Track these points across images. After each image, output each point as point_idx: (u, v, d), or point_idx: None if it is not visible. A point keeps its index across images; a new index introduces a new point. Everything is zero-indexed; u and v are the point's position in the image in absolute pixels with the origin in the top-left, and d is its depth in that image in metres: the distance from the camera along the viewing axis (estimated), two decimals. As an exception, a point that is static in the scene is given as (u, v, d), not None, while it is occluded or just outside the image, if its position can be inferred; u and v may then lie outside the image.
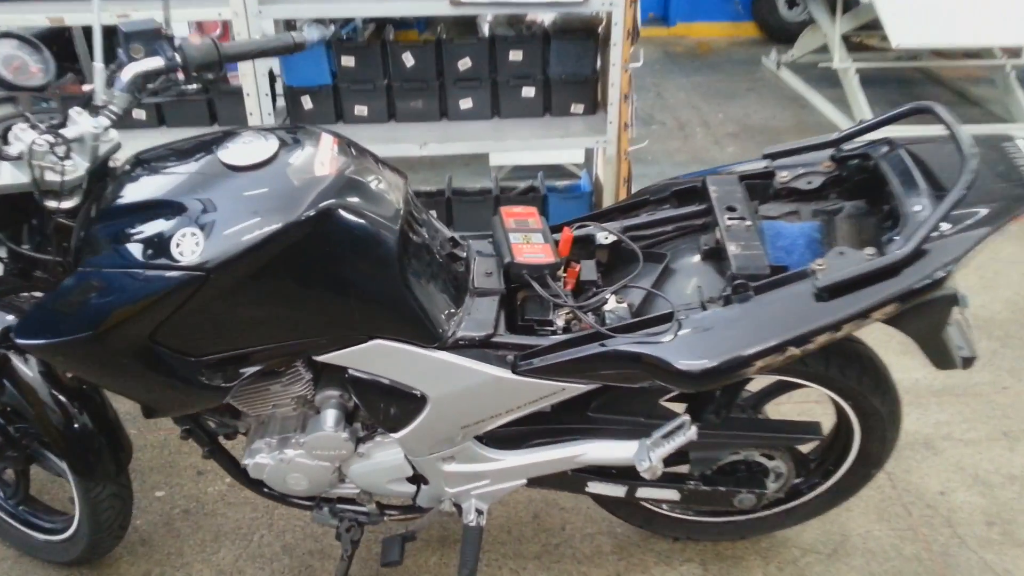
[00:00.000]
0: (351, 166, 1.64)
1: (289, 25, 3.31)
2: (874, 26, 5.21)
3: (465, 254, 1.89)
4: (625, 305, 1.76)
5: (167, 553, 2.43)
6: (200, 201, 1.54)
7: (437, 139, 3.12)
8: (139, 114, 3.26)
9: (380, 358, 1.72)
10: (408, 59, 3.14)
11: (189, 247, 1.50)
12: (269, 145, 1.61)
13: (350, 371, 1.75)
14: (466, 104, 3.22)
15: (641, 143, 3.25)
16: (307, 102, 3.19)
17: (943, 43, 4.96)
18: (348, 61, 3.13)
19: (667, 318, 1.64)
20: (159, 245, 1.52)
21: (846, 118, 5.27)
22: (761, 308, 1.60)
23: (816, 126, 5.42)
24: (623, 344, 1.65)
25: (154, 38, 1.65)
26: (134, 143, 3.30)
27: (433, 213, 2.03)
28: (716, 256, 1.77)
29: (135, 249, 1.53)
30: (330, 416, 1.85)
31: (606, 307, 1.75)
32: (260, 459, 1.92)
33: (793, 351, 1.57)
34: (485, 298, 1.79)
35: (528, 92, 3.21)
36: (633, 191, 3.17)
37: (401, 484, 2.01)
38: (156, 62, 1.64)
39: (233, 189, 1.55)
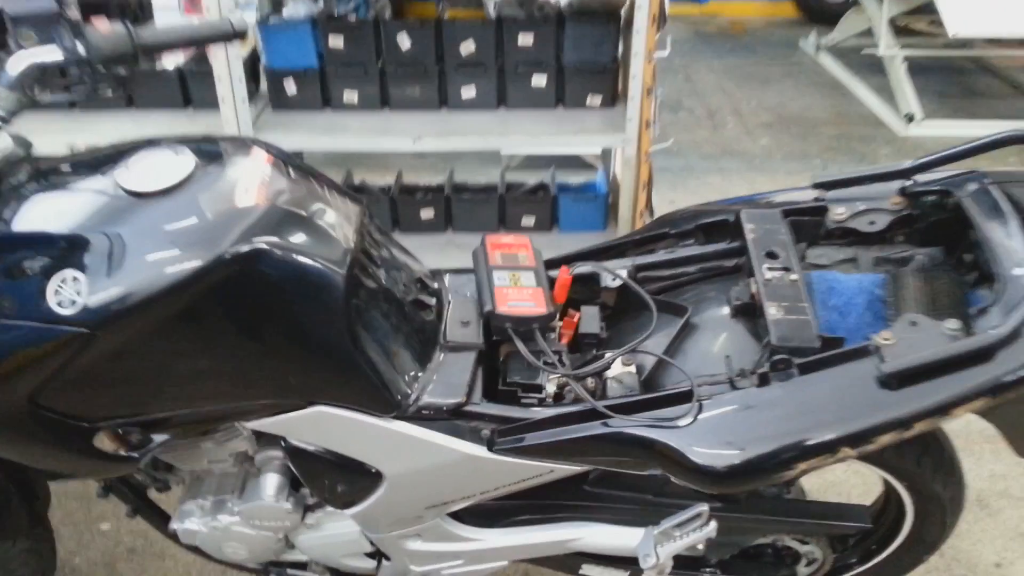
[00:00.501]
0: (286, 193, 1.29)
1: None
2: (924, 10, 4.76)
3: (437, 296, 1.53)
4: (632, 370, 1.40)
5: (103, 604, 2.14)
6: (89, 236, 1.20)
7: (435, 132, 2.76)
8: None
9: (323, 428, 1.38)
10: (404, 41, 2.77)
11: (69, 295, 1.17)
12: (182, 164, 1.26)
13: (288, 441, 1.42)
14: (468, 93, 2.85)
15: (665, 143, 2.87)
16: (290, 86, 2.84)
17: (1004, 32, 4.50)
18: (336, 42, 2.77)
19: (686, 396, 1.29)
20: (33, 292, 1.18)
21: (891, 110, 4.84)
22: (807, 392, 1.25)
23: (858, 118, 4.99)
24: (628, 426, 1.30)
25: (50, 23, 1.31)
26: (101, 127, 3.08)
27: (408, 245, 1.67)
28: (750, 314, 1.41)
29: (4, 294, 1.19)
30: (271, 482, 1.53)
31: (609, 373, 1.40)
32: (191, 524, 1.61)
33: (847, 451, 1.22)
34: (459, 354, 1.44)
35: (539, 81, 2.83)
36: (653, 196, 2.80)
37: (358, 559, 1.69)
38: (52, 53, 1.30)
39: (131, 222, 1.21)
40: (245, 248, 1.19)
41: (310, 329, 1.28)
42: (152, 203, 1.22)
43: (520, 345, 1.39)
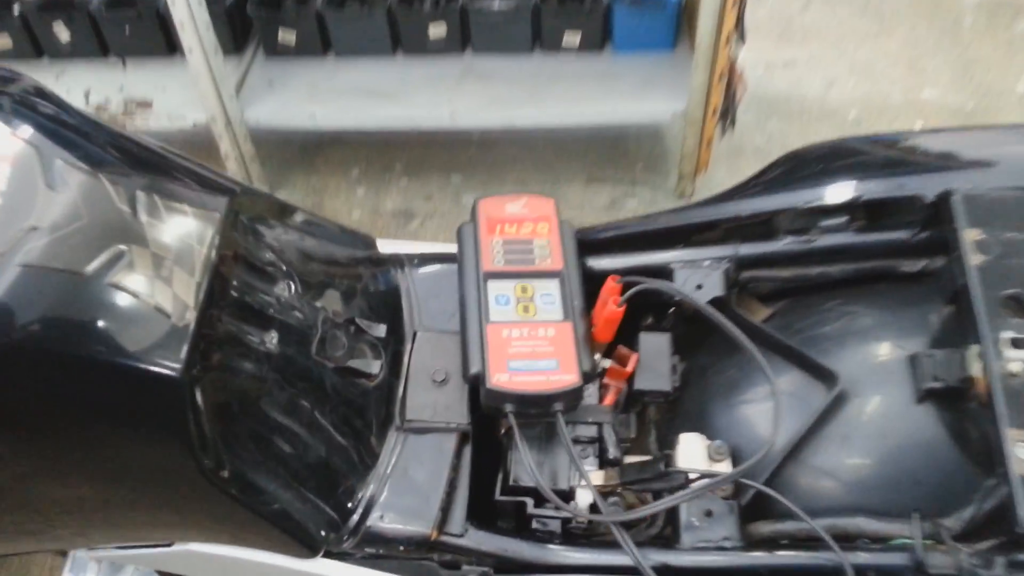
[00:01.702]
0: (54, 211, 0.65)
1: None
2: None
3: (393, 326, 0.90)
4: (727, 496, 0.79)
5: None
6: None
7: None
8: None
9: (201, 569, 0.82)
10: None
11: None
12: None
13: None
14: None
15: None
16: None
17: None
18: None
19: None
20: None
21: None
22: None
23: None
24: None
25: None
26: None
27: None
28: (955, 410, 0.77)
29: None
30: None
31: (684, 509, 0.79)
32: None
33: None
34: (428, 440, 0.84)
35: None
36: (748, 13, 1.98)
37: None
38: None
39: None
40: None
41: (130, 461, 0.69)
42: None
43: (524, 452, 0.78)
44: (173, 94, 2.18)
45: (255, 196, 0.83)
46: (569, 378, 0.80)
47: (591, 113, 2.15)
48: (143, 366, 0.65)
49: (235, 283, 0.73)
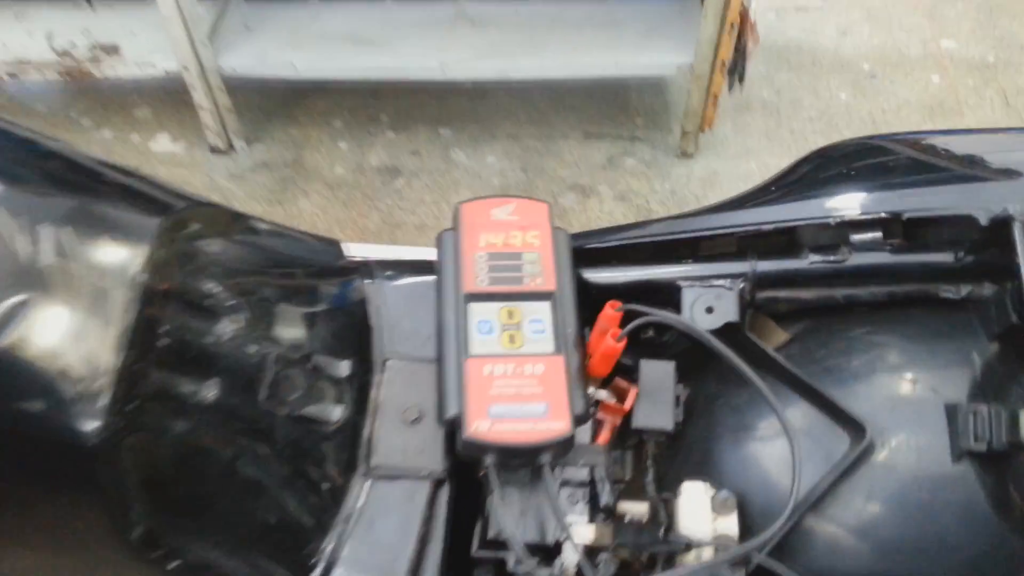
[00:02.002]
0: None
1: None
2: None
3: (360, 351, 0.79)
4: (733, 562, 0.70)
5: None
6: None
7: None
8: None
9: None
10: None
11: None
12: None
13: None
14: None
15: None
16: None
17: None
18: None
19: None
20: None
21: None
22: None
23: None
24: None
25: None
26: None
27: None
28: (1001, 478, 0.67)
29: None
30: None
31: (688, 557, 0.70)
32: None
33: None
34: (397, 487, 0.74)
35: None
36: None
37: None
38: None
39: None
40: None
41: (50, 538, 0.59)
42: None
43: (502, 506, 0.68)
44: (143, 39, 2.03)
45: (200, 212, 0.71)
46: (558, 426, 0.70)
47: (591, 64, 2.01)
48: (53, 435, 0.55)
49: (166, 326, 0.62)
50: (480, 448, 0.69)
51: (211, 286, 0.66)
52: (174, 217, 0.68)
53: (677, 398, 0.79)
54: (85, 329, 0.56)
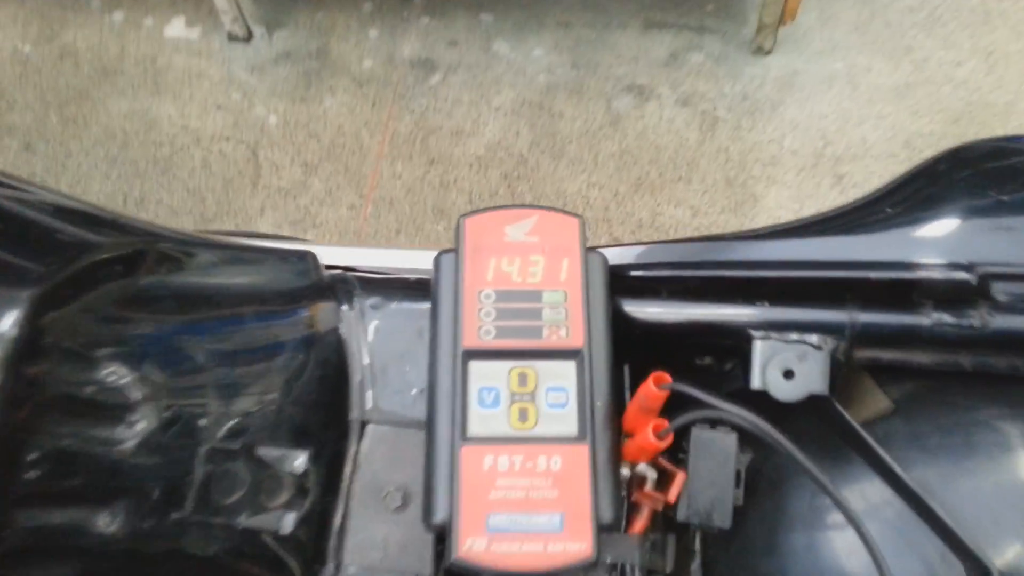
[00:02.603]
0: None
1: None
2: None
3: (337, 412, 0.63)
4: None
5: None
6: None
7: None
8: None
9: None
10: None
11: None
12: None
13: None
14: None
15: None
16: None
17: None
18: None
19: None
20: None
21: None
22: None
23: None
24: None
25: None
26: None
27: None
28: None
29: None
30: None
31: None
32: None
33: None
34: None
35: None
36: None
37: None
38: None
39: None
40: None
41: None
42: None
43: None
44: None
45: (123, 249, 0.53)
46: (577, 548, 0.53)
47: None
48: None
49: (35, 449, 0.45)
50: (473, 573, 0.54)
51: (116, 370, 0.50)
52: (90, 263, 0.51)
53: (738, 473, 0.62)
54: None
